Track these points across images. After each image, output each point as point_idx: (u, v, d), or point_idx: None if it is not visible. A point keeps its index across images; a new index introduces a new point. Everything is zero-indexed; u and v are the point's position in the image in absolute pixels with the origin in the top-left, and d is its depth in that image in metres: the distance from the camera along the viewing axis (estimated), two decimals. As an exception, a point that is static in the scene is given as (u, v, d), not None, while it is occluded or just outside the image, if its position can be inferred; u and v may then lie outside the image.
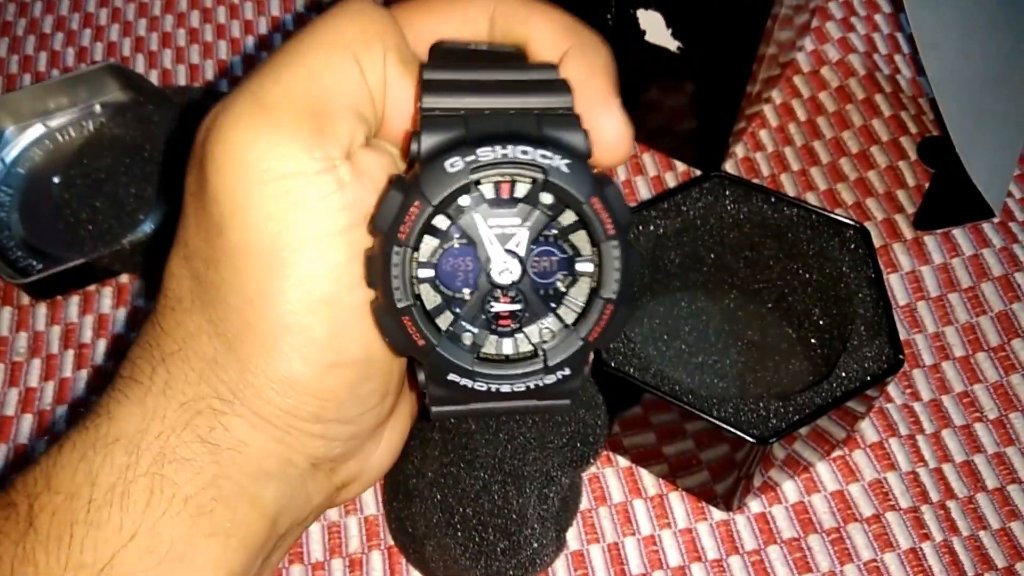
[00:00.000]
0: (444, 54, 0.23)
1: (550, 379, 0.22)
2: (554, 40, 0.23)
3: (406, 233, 0.21)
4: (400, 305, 0.21)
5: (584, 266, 0.22)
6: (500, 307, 0.22)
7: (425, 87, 0.22)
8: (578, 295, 0.22)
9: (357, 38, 0.22)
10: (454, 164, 0.21)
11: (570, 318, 0.22)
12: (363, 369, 0.23)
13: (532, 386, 0.22)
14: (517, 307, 0.22)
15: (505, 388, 0.22)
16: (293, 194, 0.21)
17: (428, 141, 0.21)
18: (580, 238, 0.22)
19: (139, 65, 0.51)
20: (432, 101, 0.22)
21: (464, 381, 0.22)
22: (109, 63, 0.46)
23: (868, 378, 0.30)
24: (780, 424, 0.30)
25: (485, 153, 0.21)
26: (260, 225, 0.21)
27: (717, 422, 0.29)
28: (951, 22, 0.35)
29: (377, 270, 0.21)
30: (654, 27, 0.39)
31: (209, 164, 0.21)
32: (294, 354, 0.21)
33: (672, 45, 0.39)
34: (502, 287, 0.22)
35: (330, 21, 0.22)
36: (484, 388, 0.22)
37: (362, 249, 0.22)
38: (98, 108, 0.46)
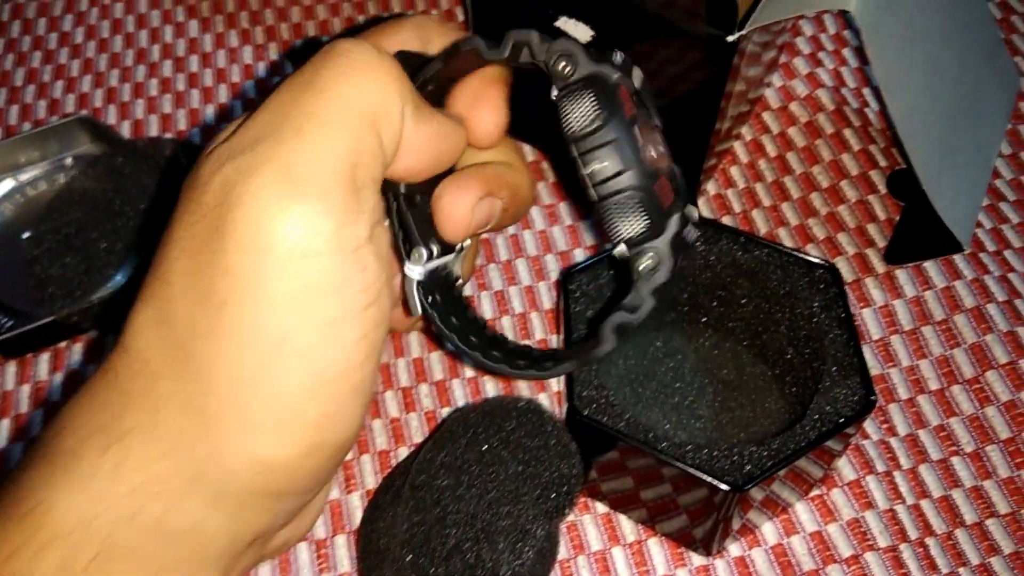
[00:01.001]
0: (416, 59, 0.25)
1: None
2: None
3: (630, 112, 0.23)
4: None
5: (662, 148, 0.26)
6: None
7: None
8: None
9: (378, 101, 0.21)
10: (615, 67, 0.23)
11: None
12: (339, 447, 0.22)
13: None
14: None
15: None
16: (315, 275, 0.20)
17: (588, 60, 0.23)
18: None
19: (111, 116, 0.51)
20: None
21: (691, 233, 0.24)
22: (80, 116, 0.46)
23: (841, 420, 0.30)
24: (755, 470, 0.29)
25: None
26: (275, 306, 0.19)
27: (691, 470, 0.29)
28: (913, 61, 0.35)
29: (620, 149, 0.22)
30: (620, 71, 0.39)
31: (230, 233, 0.19)
32: (282, 435, 0.20)
33: (639, 88, 0.39)
34: None
35: (346, 80, 0.21)
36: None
37: (373, 326, 0.21)
38: (69, 161, 0.46)
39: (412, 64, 0.24)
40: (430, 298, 0.26)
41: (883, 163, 0.45)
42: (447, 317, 0.26)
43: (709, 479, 0.29)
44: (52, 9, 0.56)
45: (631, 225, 0.23)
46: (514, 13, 0.41)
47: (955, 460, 0.36)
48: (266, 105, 0.21)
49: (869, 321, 0.40)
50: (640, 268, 0.23)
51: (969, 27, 0.40)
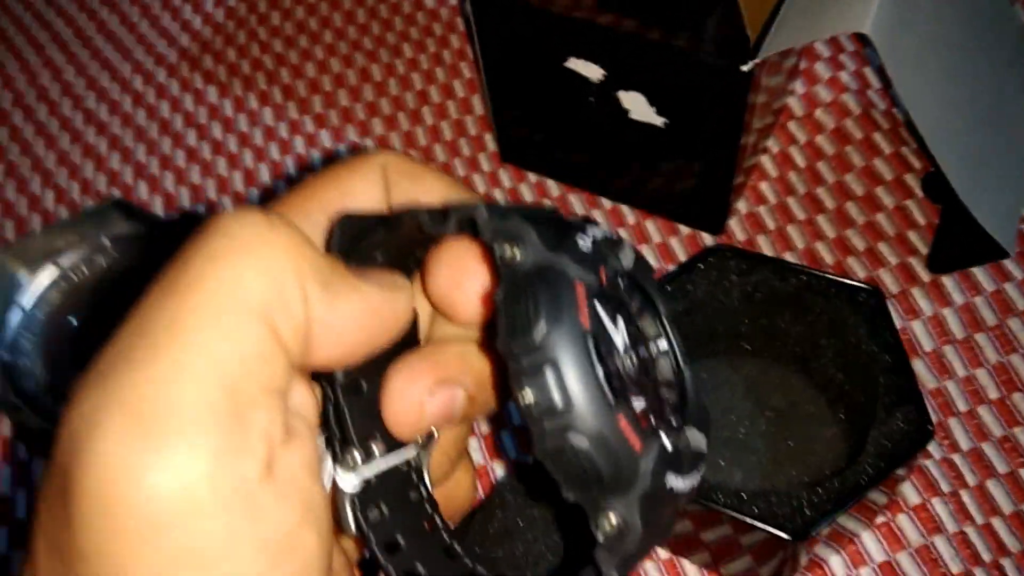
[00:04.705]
0: (370, 227, 0.20)
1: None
2: (444, 197, 0.21)
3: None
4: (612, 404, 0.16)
5: (661, 344, 0.20)
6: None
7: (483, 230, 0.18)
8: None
9: (266, 287, 0.16)
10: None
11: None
12: None
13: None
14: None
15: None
16: (186, 539, 0.15)
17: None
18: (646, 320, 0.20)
19: (142, 190, 0.51)
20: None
21: (677, 482, 0.18)
22: (112, 199, 0.47)
23: (898, 454, 0.30)
24: (815, 515, 0.29)
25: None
26: None
27: (751, 520, 0.29)
28: (934, 74, 0.34)
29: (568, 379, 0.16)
30: (637, 106, 0.39)
31: (76, 505, 0.15)
32: None
33: (658, 121, 0.39)
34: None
35: (220, 269, 0.16)
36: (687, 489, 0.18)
37: None
38: (107, 242, 0.47)
39: (358, 228, 0.20)
40: (373, 511, 0.20)
41: (917, 165, 0.43)
42: (393, 532, 0.20)
43: (770, 529, 0.29)
44: (75, 88, 0.57)
45: (578, 481, 0.16)
46: (524, 55, 0.41)
47: (1023, 472, 0.35)
48: (131, 314, 0.16)
49: (919, 333, 0.39)
50: (600, 532, 0.16)
51: (990, 28, 0.39)
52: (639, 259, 0.19)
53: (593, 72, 0.39)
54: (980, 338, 0.38)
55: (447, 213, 0.18)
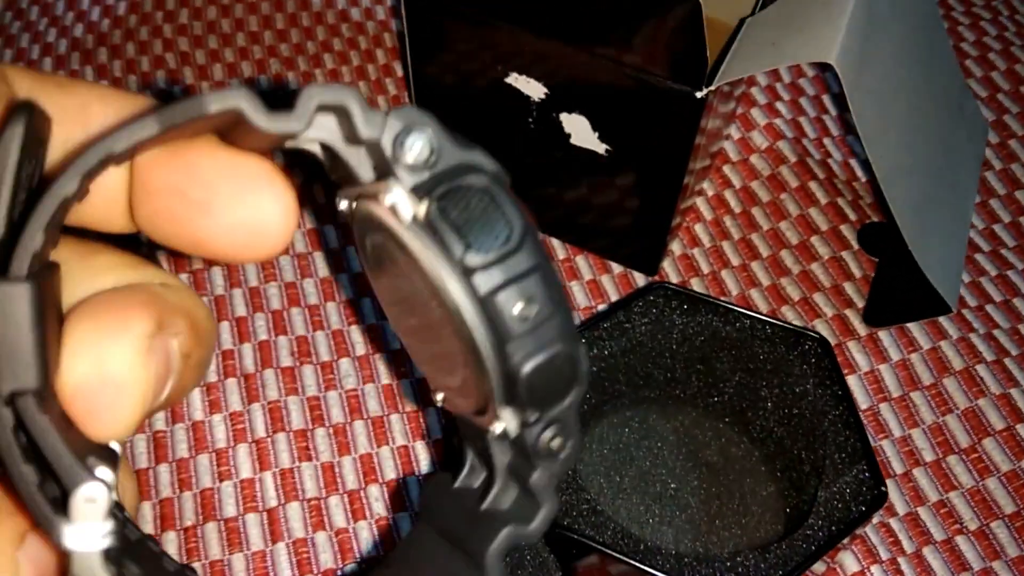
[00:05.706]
0: None
1: None
2: (119, 112, 0.15)
3: None
4: None
5: None
6: None
7: None
8: None
9: None
10: None
11: None
12: None
13: None
14: None
15: None
16: None
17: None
18: None
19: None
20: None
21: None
22: None
23: (851, 518, 0.27)
24: (761, 584, 0.26)
25: None
26: None
27: (691, 589, 0.26)
28: (891, 114, 0.33)
29: None
30: (580, 130, 0.36)
31: None
32: None
33: (600, 148, 0.36)
34: None
35: None
36: None
37: None
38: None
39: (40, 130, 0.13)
40: (131, 568, 0.14)
41: (853, 216, 0.42)
42: None
43: (713, 599, 0.25)
44: None
45: (547, 396, 0.15)
46: (460, 69, 0.38)
47: (960, 539, 0.33)
48: None
49: (855, 388, 0.37)
50: (540, 455, 0.16)
51: (939, 76, 0.38)
52: None
53: (535, 91, 0.36)
54: (916, 397, 0.37)
55: (293, 96, 0.13)
